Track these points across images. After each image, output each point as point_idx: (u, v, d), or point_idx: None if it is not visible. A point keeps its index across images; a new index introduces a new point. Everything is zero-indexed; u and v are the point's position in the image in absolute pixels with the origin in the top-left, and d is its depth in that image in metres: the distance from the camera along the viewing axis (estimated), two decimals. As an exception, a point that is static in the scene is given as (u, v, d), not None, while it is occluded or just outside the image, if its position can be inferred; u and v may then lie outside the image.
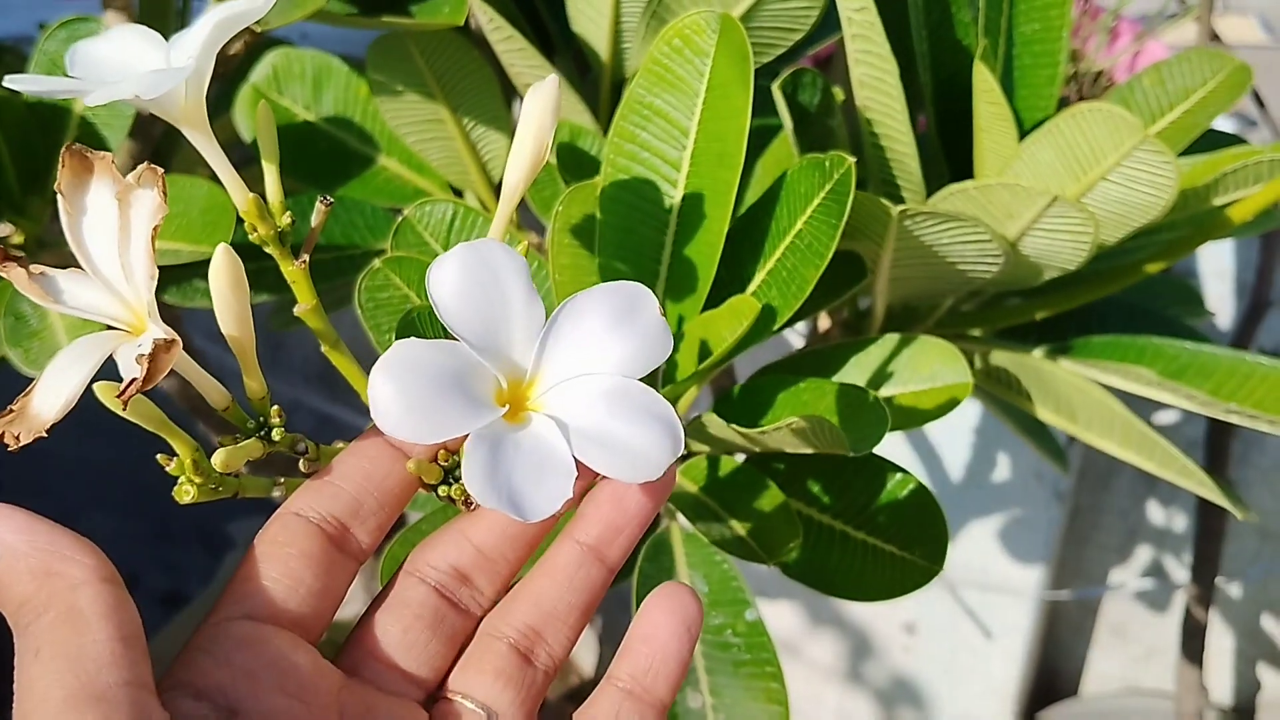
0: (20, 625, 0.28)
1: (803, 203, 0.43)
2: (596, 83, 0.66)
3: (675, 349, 0.46)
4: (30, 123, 0.58)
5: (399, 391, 0.28)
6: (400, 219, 0.50)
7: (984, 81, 0.45)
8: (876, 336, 0.48)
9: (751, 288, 0.45)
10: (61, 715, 0.25)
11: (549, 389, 0.31)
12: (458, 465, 0.33)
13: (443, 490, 0.33)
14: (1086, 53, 0.95)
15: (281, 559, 0.31)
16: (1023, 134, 0.54)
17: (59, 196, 0.30)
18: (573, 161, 0.56)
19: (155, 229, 0.28)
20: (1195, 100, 0.54)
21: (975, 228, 0.44)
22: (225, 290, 0.30)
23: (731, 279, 0.46)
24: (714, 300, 0.45)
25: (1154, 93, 0.54)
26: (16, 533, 0.28)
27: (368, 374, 0.29)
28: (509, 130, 0.67)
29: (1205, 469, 0.83)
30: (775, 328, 0.43)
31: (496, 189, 0.69)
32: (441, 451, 0.33)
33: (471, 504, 0.33)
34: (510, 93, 0.67)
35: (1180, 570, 1.24)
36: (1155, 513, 1.23)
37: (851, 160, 0.42)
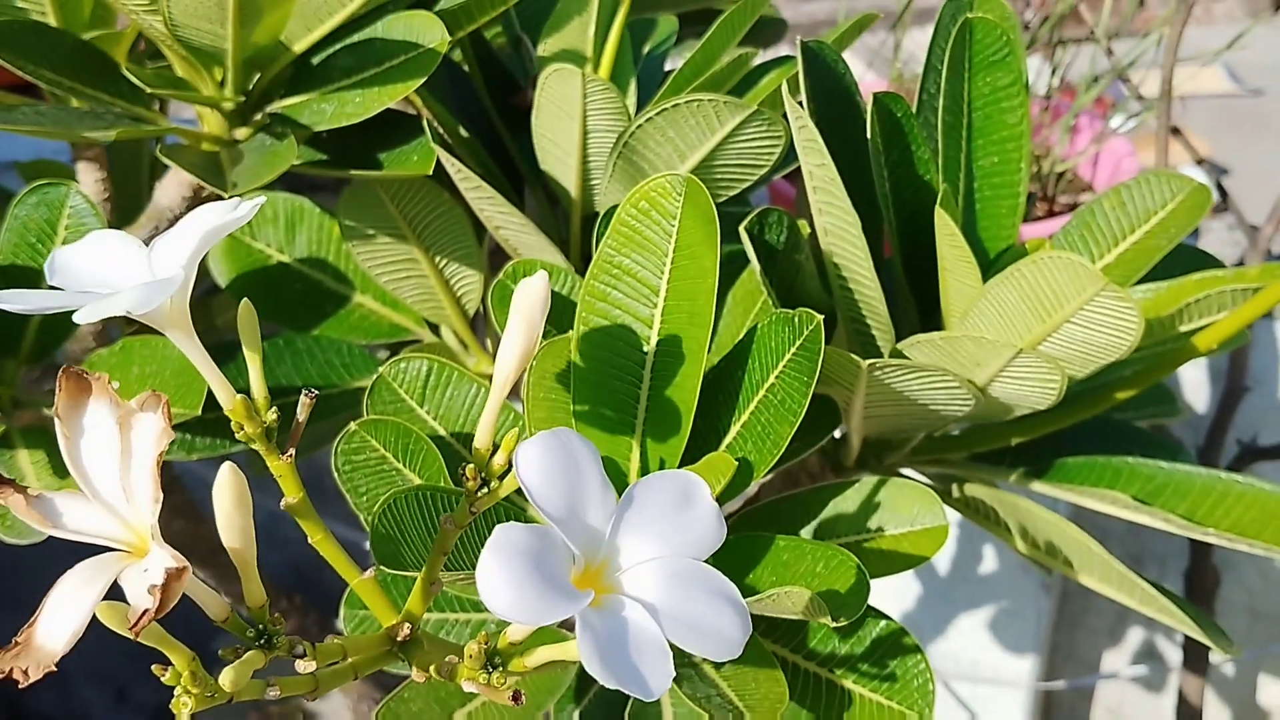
0: None
1: (774, 358, 0.44)
2: (566, 217, 0.67)
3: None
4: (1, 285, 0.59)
5: (507, 578, 0.28)
6: (375, 378, 0.50)
7: (945, 226, 0.46)
8: (854, 480, 0.48)
9: (727, 440, 0.45)
10: None
11: (626, 569, 0.32)
12: (495, 654, 0.33)
13: (482, 678, 0.33)
14: (1050, 149, 0.97)
15: None
16: (988, 263, 0.55)
17: (56, 420, 0.30)
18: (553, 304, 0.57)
19: (160, 454, 0.28)
20: (1156, 222, 0.55)
21: (944, 376, 0.45)
22: (229, 507, 0.30)
23: (708, 430, 0.46)
24: (692, 450, 0.46)
25: (1115, 215, 0.55)
26: None
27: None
28: (482, 265, 0.67)
29: (1188, 584, 0.83)
30: (753, 481, 0.43)
31: (472, 322, 0.70)
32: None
33: (520, 699, 0.33)
34: (482, 229, 0.68)
35: (1173, 650, 1.23)
36: (1144, 594, 1.23)
37: (820, 318, 0.42)
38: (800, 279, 0.56)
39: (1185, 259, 0.58)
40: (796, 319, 0.43)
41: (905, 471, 0.60)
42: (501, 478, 0.33)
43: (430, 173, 0.59)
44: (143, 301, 0.30)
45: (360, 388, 0.68)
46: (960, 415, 0.49)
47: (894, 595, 1.11)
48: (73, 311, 0.59)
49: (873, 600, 0.42)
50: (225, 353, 0.64)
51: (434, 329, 0.71)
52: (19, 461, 0.58)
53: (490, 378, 0.69)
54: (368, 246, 0.65)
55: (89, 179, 0.70)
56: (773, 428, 0.43)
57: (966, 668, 1.13)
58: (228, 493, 0.30)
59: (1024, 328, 0.46)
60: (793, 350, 0.43)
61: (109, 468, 0.30)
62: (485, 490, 0.33)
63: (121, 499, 0.30)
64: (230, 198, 0.56)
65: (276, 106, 0.62)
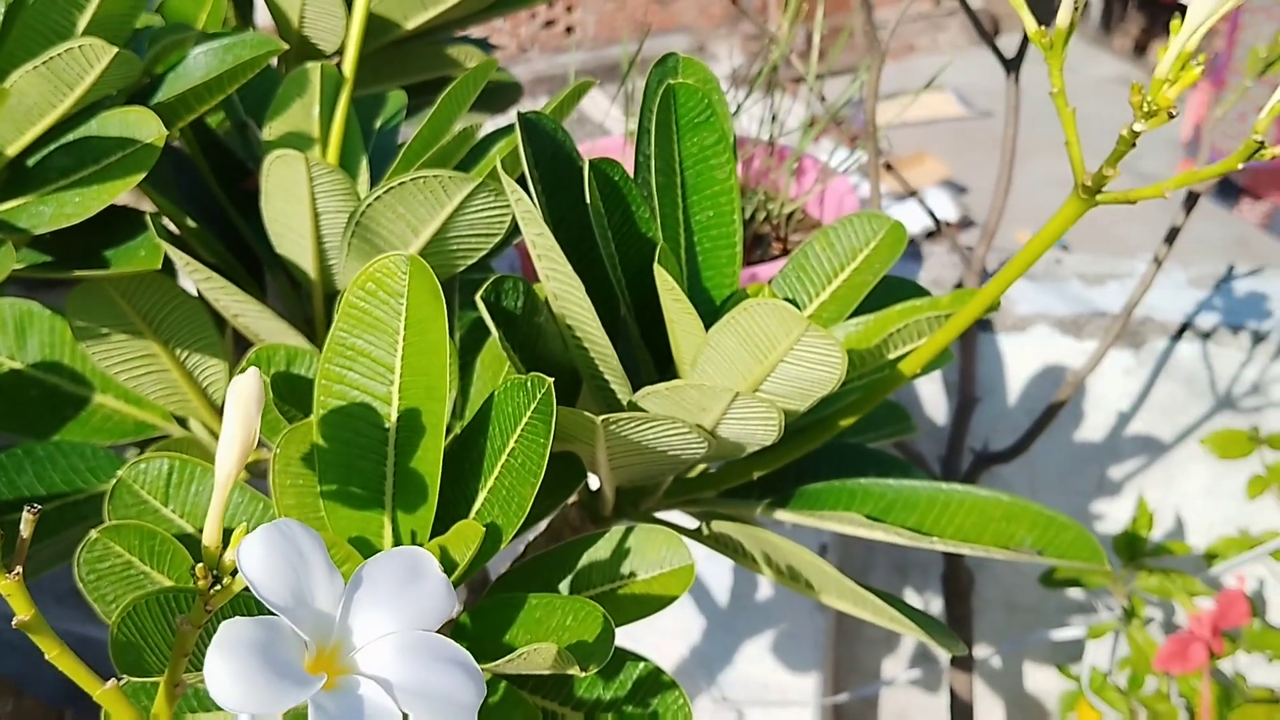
0: None
1: (511, 423, 0.45)
2: (309, 297, 0.67)
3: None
4: None
5: (234, 672, 0.29)
6: (115, 481, 0.49)
7: (665, 281, 0.49)
8: (604, 531, 0.50)
9: (476, 506, 0.47)
10: None
11: (359, 649, 0.33)
12: None
13: None
14: (779, 191, 1.02)
15: None
16: (715, 309, 0.58)
17: None
18: (287, 388, 0.57)
19: None
20: (862, 259, 0.59)
21: (675, 423, 0.48)
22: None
23: (457, 498, 0.47)
24: (442, 519, 0.47)
25: (825, 256, 0.60)
26: None
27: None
28: (225, 354, 0.67)
29: (946, 586, 0.88)
30: (502, 545, 0.45)
31: (219, 412, 0.69)
32: None
33: None
34: (222, 317, 0.67)
35: (944, 652, 1.31)
36: (911, 599, 1.30)
37: (550, 381, 0.44)
38: (542, 340, 0.58)
39: (896, 289, 0.63)
40: (530, 383, 0.45)
41: (661, 515, 0.62)
42: (234, 574, 0.33)
43: (159, 266, 0.58)
44: None
45: (104, 492, 0.66)
46: (699, 457, 0.52)
47: (680, 634, 1.14)
48: None
49: (656, 640, 0.44)
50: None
51: (182, 423, 0.69)
52: None
53: (249, 467, 0.68)
54: (103, 345, 0.63)
55: None
56: (516, 491, 0.45)
57: (757, 692, 1.17)
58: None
59: (745, 370, 0.49)
60: (529, 414, 0.45)
61: None
62: (218, 587, 0.33)
63: None
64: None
65: (-10, 211, 0.60)
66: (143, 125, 0.57)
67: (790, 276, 0.60)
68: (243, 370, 0.59)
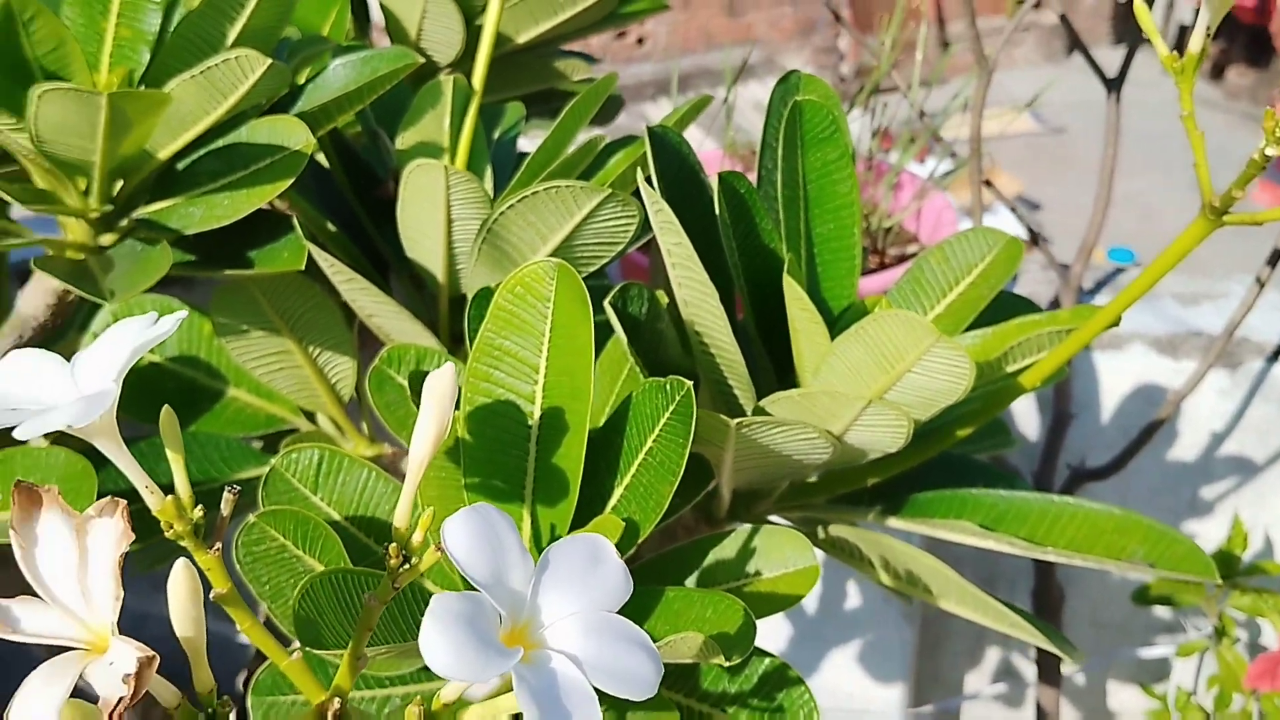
0: None
1: (650, 423, 0.48)
2: (434, 300, 0.69)
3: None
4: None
5: (448, 640, 0.31)
6: (268, 470, 0.52)
7: (794, 291, 0.51)
8: (729, 530, 0.52)
9: (612, 502, 0.49)
10: None
11: (548, 625, 0.35)
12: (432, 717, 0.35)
13: None
14: (877, 206, 1.04)
15: None
16: (832, 320, 0.60)
17: (11, 532, 0.32)
18: (421, 385, 0.59)
19: (121, 555, 0.30)
20: (977, 274, 0.60)
21: (805, 429, 0.49)
22: (183, 600, 0.32)
23: (593, 495, 0.49)
24: (580, 514, 0.49)
25: (940, 270, 0.61)
26: None
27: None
28: (353, 353, 0.70)
29: (1035, 601, 0.89)
30: (640, 538, 0.47)
31: (346, 407, 0.72)
32: None
33: None
34: (351, 316, 0.70)
35: (1028, 666, 1.31)
36: (997, 615, 1.30)
37: (689, 384, 0.46)
38: (663, 346, 0.60)
39: (1007, 304, 0.64)
40: (669, 386, 0.47)
41: (773, 518, 0.64)
42: (421, 555, 0.36)
43: (303, 268, 0.61)
44: (82, 415, 0.32)
45: (241, 479, 0.69)
46: (821, 463, 0.54)
47: (770, 636, 1.15)
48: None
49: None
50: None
51: (310, 417, 0.72)
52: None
53: (372, 459, 0.71)
54: (242, 341, 0.67)
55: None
56: (654, 488, 0.47)
57: (841, 700, 1.18)
58: (182, 587, 0.32)
59: (870, 379, 0.50)
60: (667, 415, 0.47)
61: (65, 572, 0.31)
62: (406, 566, 0.35)
63: (79, 601, 0.31)
64: (109, 305, 0.58)
65: (143, 212, 0.63)
66: (291, 133, 0.60)
67: (906, 289, 0.61)
68: (376, 369, 0.62)
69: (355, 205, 0.71)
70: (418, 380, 0.60)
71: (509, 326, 0.48)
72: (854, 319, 0.58)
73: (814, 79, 0.62)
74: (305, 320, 0.67)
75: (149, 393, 0.70)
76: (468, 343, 0.61)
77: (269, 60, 0.57)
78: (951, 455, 0.65)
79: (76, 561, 0.31)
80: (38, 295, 0.67)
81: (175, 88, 0.58)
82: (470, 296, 0.66)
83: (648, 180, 0.57)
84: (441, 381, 0.38)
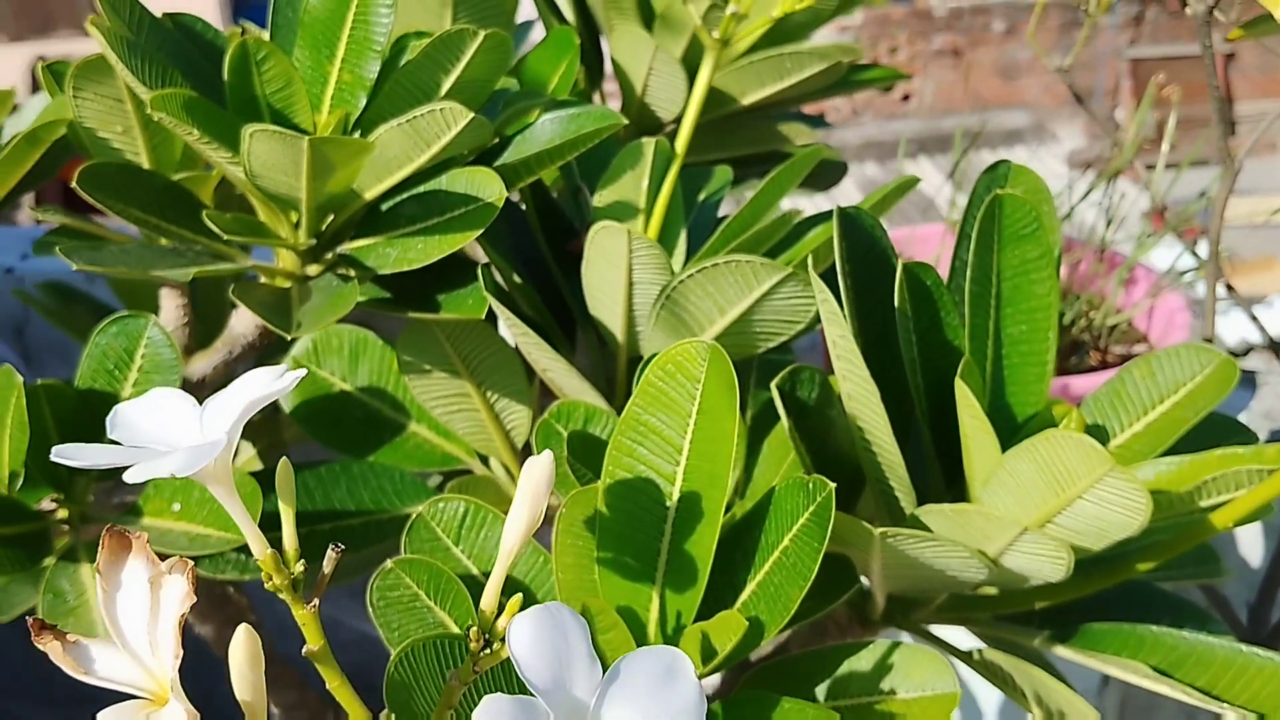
0: None
1: (789, 520, 0.46)
2: (614, 359, 0.69)
3: (675, 646, 0.48)
4: (80, 409, 0.62)
5: None
6: (414, 516, 0.53)
7: (965, 398, 0.48)
8: (869, 641, 0.49)
9: (742, 597, 0.47)
10: None
11: None
12: None
13: None
14: (1105, 299, 0.98)
15: None
16: (1015, 427, 0.56)
17: (97, 574, 0.33)
18: (582, 447, 0.59)
19: (183, 616, 0.31)
20: (1184, 394, 0.56)
21: (955, 546, 0.46)
22: (243, 664, 0.32)
23: (724, 586, 0.48)
24: (708, 604, 0.47)
25: (1145, 385, 0.56)
26: None
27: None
28: (531, 402, 0.70)
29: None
30: (763, 641, 0.45)
31: (519, 456, 0.72)
32: None
33: None
34: (531, 368, 0.71)
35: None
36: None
37: (831, 487, 0.44)
38: (832, 434, 0.58)
39: (1217, 428, 0.59)
40: (811, 485, 0.45)
41: (932, 628, 0.60)
42: (504, 640, 0.35)
43: (483, 317, 0.62)
44: (187, 465, 0.33)
45: (409, 514, 0.70)
46: (977, 581, 0.50)
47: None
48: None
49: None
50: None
51: (484, 460, 0.73)
52: (81, 575, 0.62)
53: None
54: (424, 381, 0.68)
55: (171, 304, 0.75)
56: (784, 590, 0.45)
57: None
58: (243, 652, 0.32)
59: (1039, 500, 0.47)
60: (806, 516, 0.45)
61: (139, 621, 0.32)
62: (488, 651, 0.35)
63: (148, 651, 0.32)
64: (293, 337, 0.60)
65: (346, 248, 0.66)
66: (486, 186, 0.61)
67: (1104, 400, 0.57)
68: (544, 423, 0.62)
69: (548, 257, 0.71)
70: (583, 441, 0.60)
71: (657, 404, 0.47)
72: (1038, 428, 0.55)
73: (1024, 170, 0.59)
74: (485, 366, 0.68)
75: (337, 419, 0.72)
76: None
77: (471, 114, 0.58)
78: (1137, 583, 0.60)
79: (148, 613, 0.32)
80: (249, 316, 0.71)
81: (382, 134, 0.60)
82: (643, 362, 0.65)
83: (838, 263, 0.55)
84: (538, 471, 0.37)
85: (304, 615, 0.35)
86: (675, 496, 0.47)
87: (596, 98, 0.98)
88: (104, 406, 0.62)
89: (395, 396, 0.73)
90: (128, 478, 0.33)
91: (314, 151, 0.55)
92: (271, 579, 0.35)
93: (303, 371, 0.38)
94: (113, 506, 0.66)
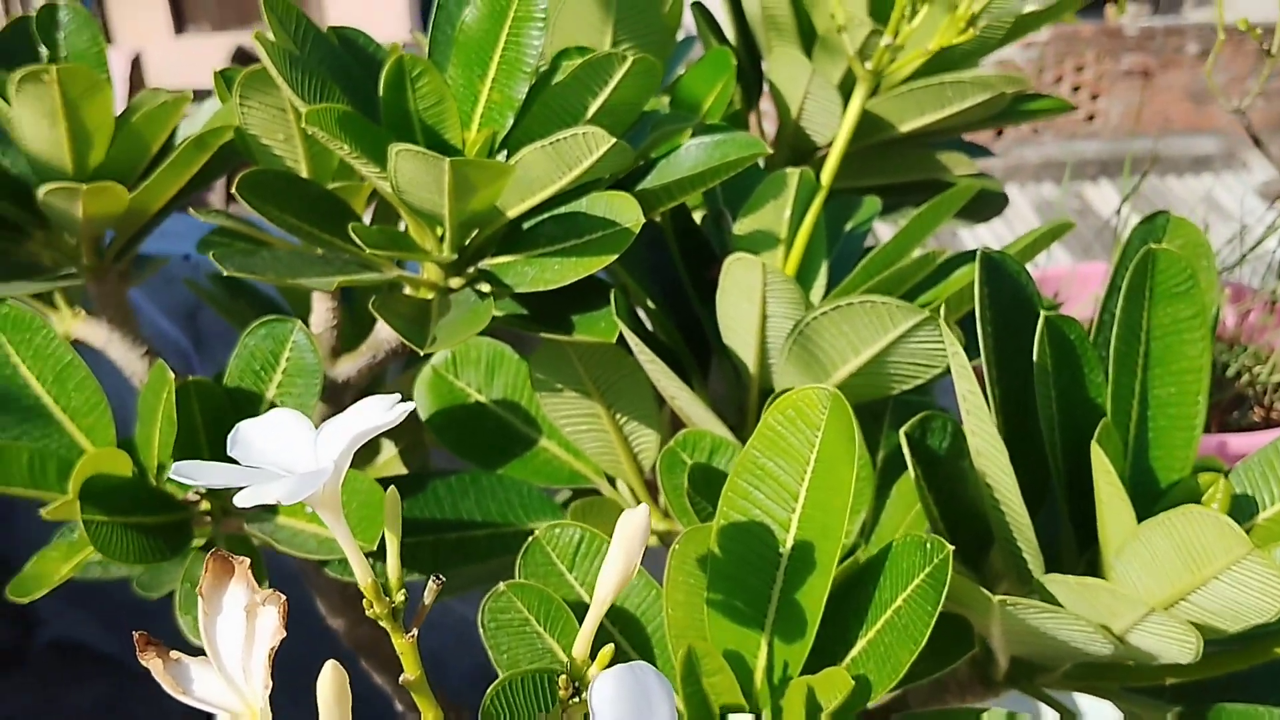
0: None
1: (904, 580, 0.44)
2: (745, 389, 0.69)
3: (780, 697, 0.47)
4: (226, 405, 0.65)
5: None
6: (531, 539, 0.53)
7: (1101, 464, 0.46)
8: (984, 708, 0.47)
9: (851, 654, 0.46)
10: None
11: None
12: None
13: None
14: (1272, 353, 0.92)
15: None
16: (1157, 492, 0.53)
17: (199, 597, 0.34)
18: (703, 480, 0.59)
19: (272, 650, 0.32)
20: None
21: (1077, 620, 0.44)
22: (330, 700, 0.32)
23: (835, 640, 0.47)
24: (817, 656, 0.46)
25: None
26: None
27: None
28: (660, 426, 0.70)
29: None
30: (870, 701, 0.44)
31: (646, 478, 0.72)
32: None
33: None
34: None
35: None
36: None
37: (949, 549, 0.43)
38: (962, 487, 0.56)
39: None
40: (928, 545, 0.43)
41: (1056, 693, 0.58)
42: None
43: (614, 340, 0.62)
44: (293, 493, 0.34)
45: (532, 529, 0.71)
46: (1102, 655, 0.48)
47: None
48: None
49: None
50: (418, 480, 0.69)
51: (611, 481, 0.73)
52: (219, 566, 0.64)
53: (663, 534, 0.71)
54: (556, 399, 0.69)
55: (322, 305, 0.77)
56: (894, 652, 0.43)
57: None
58: (329, 687, 0.32)
59: (1173, 576, 0.44)
60: (921, 577, 0.43)
61: (235, 646, 0.33)
62: (576, 699, 0.35)
63: (242, 677, 0.33)
64: (426, 353, 0.61)
65: (487, 263, 0.67)
66: (624, 211, 0.61)
67: (1257, 468, 0.54)
68: (669, 450, 0.62)
69: (686, 283, 0.71)
70: (704, 474, 0.59)
71: (774, 449, 0.46)
72: (1181, 498, 0.52)
73: (1184, 222, 0.56)
74: (616, 388, 0.68)
75: (470, 429, 0.73)
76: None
77: (612, 140, 0.58)
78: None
79: (244, 640, 0.33)
80: (392, 322, 0.72)
81: (525, 155, 0.60)
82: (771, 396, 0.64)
83: (979, 310, 0.53)
84: (634, 523, 0.37)
85: (403, 644, 0.35)
86: (789, 544, 0.46)
87: (752, 119, 0.97)
88: (249, 405, 0.64)
89: (528, 411, 0.73)
90: (238, 501, 0.34)
91: (455, 173, 0.56)
92: (372, 606, 0.35)
93: (411, 405, 0.38)
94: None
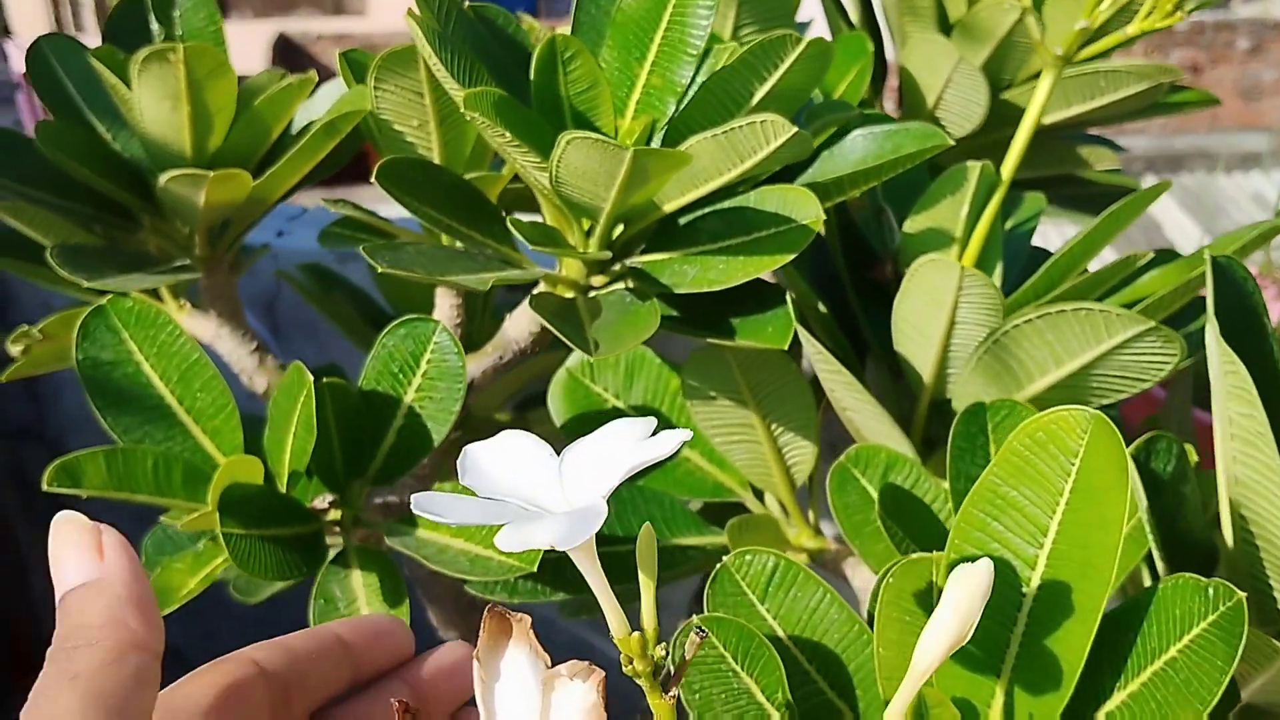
0: (67, 646, 0.30)
1: (1177, 628, 0.39)
2: (912, 397, 0.64)
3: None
4: (361, 409, 0.61)
5: None
6: (719, 566, 0.48)
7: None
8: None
9: (1108, 707, 0.41)
10: None
11: None
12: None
13: None
14: None
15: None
16: None
17: (475, 662, 0.29)
18: (893, 503, 0.54)
19: None
20: None
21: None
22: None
23: (1082, 689, 0.42)
24: (1070, 712, 0.41)
25: None
26: (122, 572, 0.31)
27: None
28: (816, 439, 0.65)
29: None
30: (1137, 766, 0.39)
31: (797, 492, 0.67)
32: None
33: None
34: (818, 397, 0.66)
35: None
36: None
37: (1240, 596, 0.38)
38: (1183, 515, 0.51)
39: None
40: (1212, 591, 0.38)
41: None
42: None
43: (785, 347, 0.58)
44: (568, 538, 0.29)
45: (679, 545, 0.66)
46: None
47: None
48: (427, 447, 0.59)
49: None
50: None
51: (758, 494, 0.69)
52: (352, 582, 0.60)
53: (814, 553, 0.66)
54: (707, 407, 0.64)
55: (445, 303, 0.73)
56: (1170, 709, 0.38)
57: None
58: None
59: None
60: (1203, 625, 0.38)
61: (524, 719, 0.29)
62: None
63: None
64: (593, 358, 0.56)
65: (637, 261, 0.62)
66: (802, 206, 0.56)
67: None
68: (840, 467, 0.57)
69: (847, 283, 0.66)
70: (894, 496, 0.55)
71: (1019, 476, 0.41)
72: None
73: None
74: (776, 397, 0.63)
75: (606, 437, 0.69)
76: (949, 463, 0.55)
77: (795, 128, 0.54)
78: None
79: (535, 714, 0.28)
80: (523, 322, 0.68)
81: (693, 145, 0.56)
82: (956, 406, 0.59)
83: (1211, 318, 0.48)
84: (974, 582, 0.32)
85: (660, 705, 0.31)
86: (1034, 584, 0.41)
87: (877, 109, 0.92)
88: (386, 409, 0.60)
89: (669, 418, 0.69)
90: (500, 543, 0.29)
91: (634, 163, 0.51)
92: (631, 662, 0.31)
93: (687, 434, 0.33)
94: (382, 512, 0.64)
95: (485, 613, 0.29)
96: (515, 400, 0.95)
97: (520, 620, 0.30)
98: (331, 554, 0.61)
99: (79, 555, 0.32)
